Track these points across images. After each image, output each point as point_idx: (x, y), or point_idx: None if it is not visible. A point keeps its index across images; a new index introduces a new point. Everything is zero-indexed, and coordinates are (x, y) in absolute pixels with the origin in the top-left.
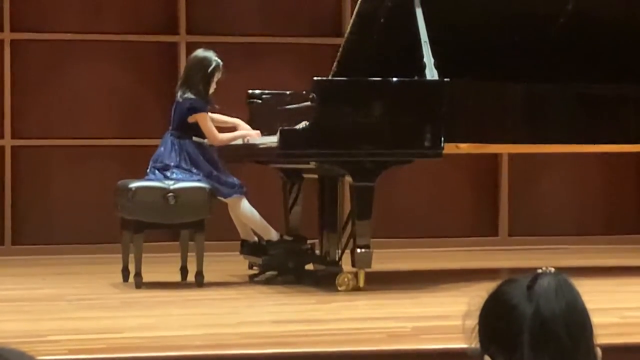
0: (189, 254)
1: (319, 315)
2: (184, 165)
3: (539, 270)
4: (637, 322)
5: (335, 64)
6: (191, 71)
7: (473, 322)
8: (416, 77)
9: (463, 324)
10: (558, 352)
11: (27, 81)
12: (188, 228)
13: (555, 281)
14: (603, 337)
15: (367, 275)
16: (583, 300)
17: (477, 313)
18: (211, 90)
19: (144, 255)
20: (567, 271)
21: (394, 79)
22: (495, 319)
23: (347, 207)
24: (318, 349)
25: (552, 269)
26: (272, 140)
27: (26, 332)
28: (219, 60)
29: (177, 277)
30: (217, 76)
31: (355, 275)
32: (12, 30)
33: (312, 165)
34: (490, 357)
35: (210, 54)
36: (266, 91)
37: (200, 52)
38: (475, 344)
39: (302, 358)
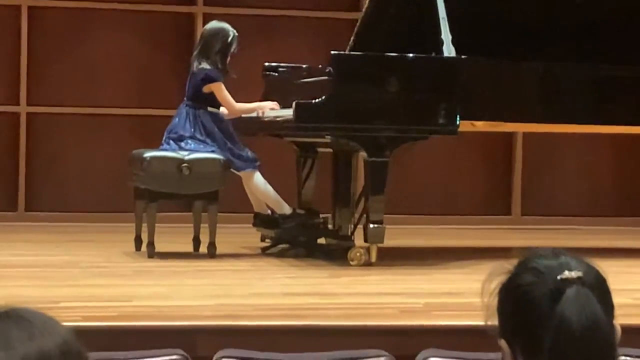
0: (201, 224)
1: (331, 289)
2: (198, 136)
3: (564, 276)
4: None
5: (352, 38)
6: (209, 42)
7: (492, 300)
8: (433, 54)
9: (482, 301)
10: None
11: (43, 48)
12: (201, 199)
13: (581, 296)
14: (615, 318)
15: (379, 250)
16: (607, 315)
17: (496, 292)
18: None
19: (156, 225)
20: (579, 252)
21: (411, 55)
22: (516, 311)
23: (360, 182)
24: (329, 322)
25: (575, 275)
26: (288, 113)
27: (39, 298)
28: (236, 32)
29: (190, 248)
30: (234, 47)
31: (368, 250)
32: None
33: (326, 139)
34: (507, 342)
35: (227, 25)
36: (282, 64)
37: (216, 24)
38: (493, 321)
39: (312, 331)
